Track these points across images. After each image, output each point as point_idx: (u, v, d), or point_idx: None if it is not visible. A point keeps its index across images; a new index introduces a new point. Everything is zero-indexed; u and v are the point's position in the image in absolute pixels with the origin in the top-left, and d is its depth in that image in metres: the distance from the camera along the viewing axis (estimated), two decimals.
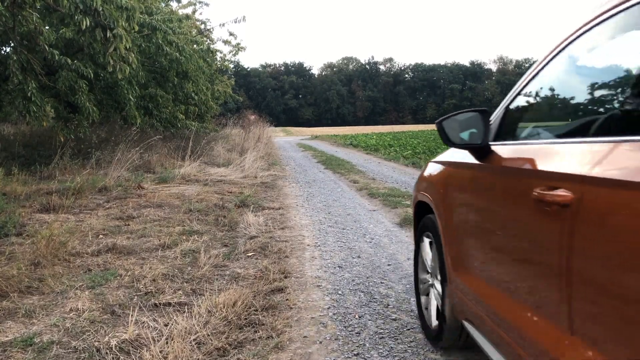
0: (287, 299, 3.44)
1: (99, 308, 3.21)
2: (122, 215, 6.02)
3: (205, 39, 14.56)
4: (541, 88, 1.98)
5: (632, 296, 1.12)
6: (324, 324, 3.07)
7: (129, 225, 5.58)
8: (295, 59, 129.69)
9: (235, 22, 13.60)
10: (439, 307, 2.62)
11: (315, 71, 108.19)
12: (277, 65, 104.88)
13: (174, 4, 13.93)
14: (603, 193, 1.28)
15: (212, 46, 15.00)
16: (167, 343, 2.68)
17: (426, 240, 2.90)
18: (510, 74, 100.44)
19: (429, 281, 2.86)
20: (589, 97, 1.68)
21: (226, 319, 3.01)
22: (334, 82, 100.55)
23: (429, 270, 2.86)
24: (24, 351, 2.65)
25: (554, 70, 1.86)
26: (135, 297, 3.42)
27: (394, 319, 3.12)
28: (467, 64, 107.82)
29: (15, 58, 7.17)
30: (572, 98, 1.87)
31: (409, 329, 2.98)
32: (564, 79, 1.86)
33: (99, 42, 6.50)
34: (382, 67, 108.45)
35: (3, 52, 8.96)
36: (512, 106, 2.12)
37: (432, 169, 2.88)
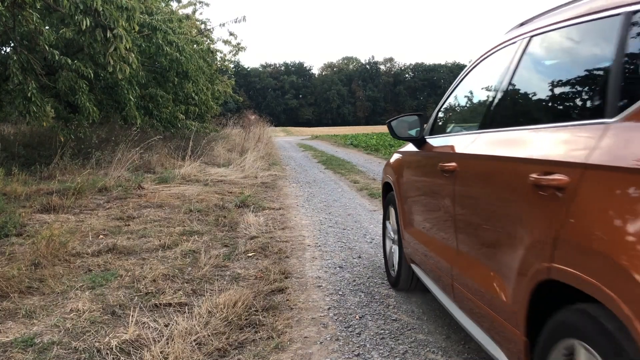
0: (287, 300, 3.44)
1: (100, 308, 3.21)
2: (122, 215, 6.02)
3: (205, 39, 14.56)
4: (455, 101, 3.09)
5: (480, 224, 2.16)
6: (324, 324, 3.07)
7: (129, 225, 5.58)
8: (296, 59, 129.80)
9: (236, 22, 13.63)
10: (398, 260, 3.56)
11: (316, 71, 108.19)
12: (278, 65, 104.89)
13: (174, 4, 13.94)
14: (472, 165, 2.27)
15: (212, 46, 15.01)
16: (167, 343, 2.67)
17: (390, 210, 3.81)
18: None
19: (392, 239, 3.76)
20: (477, 107, 2.72)
21: (227, 320, 3.01)
22: (334, 82, 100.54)
23: (392, 232, 3.76)
24: (24, 352, 2.65)
25: (460, 90, 3.01)
26: (136, 297, 3.42)
27: (395, 320, 3.12)
28: (468, 64, 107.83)
29: (15, 58, 7.18)
30: (468, 107, 2.98)
31: (409, 330, 2.98)
32: (464, 96, 3.02)
33: (99, 43, 6.50)
34: (382, 67, 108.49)
35: (3, 52, 8.96)
36: (440, 112, 3.17)
37: (393, 157, 3.84)
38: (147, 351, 2.60)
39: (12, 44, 8.07)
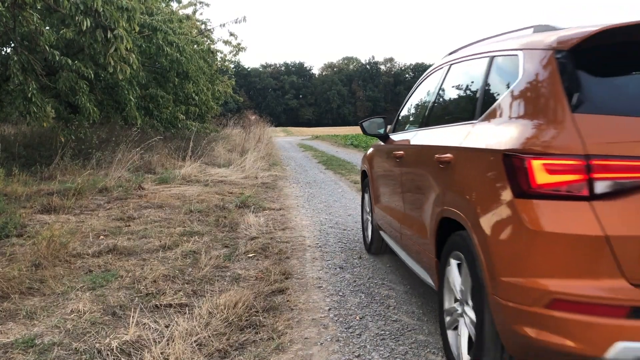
0: (288, 300, 3.44)
1: (100, 309, 3.21)
2: (122, 216, 6.02)
3: (205, 39, 14.57)
4: (409, 108, 4.07)
5: (413, 190, 3.09)
6: (325, 325, 3.07)
7: (129, 226, 5.58)
8: (296, 59, 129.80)
9: (236, 22, 13.63)
10: (371, 229, 4.55)
11: (316, 71, 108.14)
12: (278, 65, 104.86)
13: (174, 5, 13.95)
14: (411, 151, 3.27)
15: (212, 46, 15.02)
16: (168, 344, 2.68)
17: (365, 194, 4.90)
18: None
19: (367, 214, 4.75)
20: (420, 112, 3.67)
21: (227, 320, 3.01)
22: (335, 82, 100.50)
23: (367, 209, 4.77)
24: (25, 353, 2.65)
25: (412, 100, 4.01)
26: (136, 298, 3.42)
27: (395, 320, 3.12)
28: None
29: (15, 59, 7.18)
30: (416, 112, 3.87)
31: (410, 330, 2.98)
32: (414, 105, 3.97)
33: (100, 43, 6.50)
34: (382, 67, 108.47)
35: (4, 53, 8.95)
36: (399, 116, 4.18)
37: (368, 150, 4.84)
38: (147, 352, 2.60)
39: (12, 45, 8.07)
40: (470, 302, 2.21)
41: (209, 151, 12.59)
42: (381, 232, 4.19)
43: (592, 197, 1.73)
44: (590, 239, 1.71)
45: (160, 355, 2.56)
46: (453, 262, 2.39)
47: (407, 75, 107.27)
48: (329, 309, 3.31)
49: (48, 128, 8.95)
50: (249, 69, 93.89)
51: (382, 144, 4.16)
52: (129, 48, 6.59)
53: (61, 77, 8.11)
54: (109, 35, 6.33)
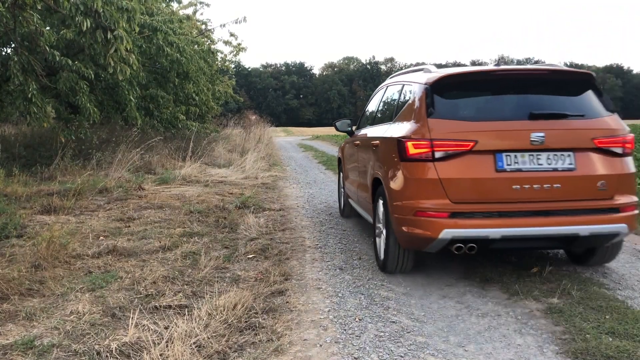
0: (287, 302, 3.44)
1: (100, 311, 3.21)
2: (122, 216, 6.03)
3: (205, 39, 14.56)
4: (366, 113, 5.72)
5: (362, 165, 4.95)
6: (324, 326, 3.07)
7: (129, 226, 5.59)
8: (296, 59, 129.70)
9: (236, 22, 13.61)
10: (344, 200, 6.32)
11: (316, 71, 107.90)
12: (278, 65, 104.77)
13: (174, 5, 13.94)
14: (363, 141, 5.01)
15: (212, 47, 15.00)
16: (167, 346, 2.68)
17: (340, 174, 6.58)
18: None
19: (341, 188, 6.46)
20: (370, 116, 5.44)
21: (226, 322, 3.01)
22: (335, 82, 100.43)
23: (341, 184, 6.47)
24: (24, 354, 2.65)
25: (368, 108, 5.74)
26: (136, 299, 3.42)
27: (394, 322, 3.12)
28: (468, 64, 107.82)
29: (16, 59, 7.18)
30: (368, 116, 5.54)
31: (409, 332, 2.98)
32: (368, 112, 5.68)
33: (100, 44, 6.49)
34: (383, 67, 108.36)
35: (4, 53, 8.96)
36: (360, 119, 5.85)
37: (343, 143, 6.50)
38: (146, 354, 2.60)
39: (12, 45, 8.07)
40: (383, 222, 4.02)
41: (209, 151, 12.59)
42: (350, 201, 5.95)
43: (434, 160, 3.44)
44: (433, 180, 3.42)
45: (160, 356, 2.56)
46: (380, 202, 4.11)
47: None
48: (329, 311, 3.31)
49: (48, 128, 8.95)
50: (249, 69, 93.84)
51: (349, 137, 5.96)
52: (129, 49, 6.59)
53: (61, 78, 8.11)
54: (109, 36, 6.32)
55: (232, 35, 19.03)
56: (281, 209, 7.01)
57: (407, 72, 4.61)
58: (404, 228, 3.54)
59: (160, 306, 3.30)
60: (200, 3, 14.74)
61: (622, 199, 3.45)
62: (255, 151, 13.57)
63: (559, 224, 3.36)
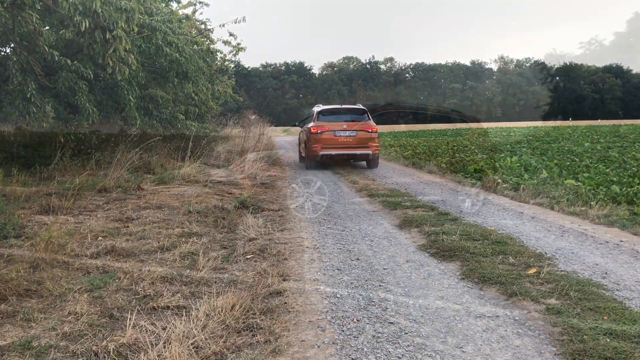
0: (285, 303, 3.44)
1: (98, 311, 3.21)
2: (121, 216, 6.02)
3: (205, 39, 14.56)
4: (304, 122, 15.46)
5: (305, 141, 13.68)
6: (322, 327, 3.07)
7: (128, 227, 5.58)
8: (296, 59, 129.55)
9: (236, 22, 13.62)
10: (299, 157, 15.60)
11: (316, 71, 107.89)
12: (278, 65, 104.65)
13: (174, 5, 13.95)
14: (305, 129, 13.98)
15: (212, 46, 15.02)
16: (165, 347, 2.68)
17: (299, 146, 15.31)
18: (511, 73, 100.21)
19: (299, 152, 15.23)
20: (306, 120, 15.60)
21: (224, 323, 3.01)
22: (335, 82, 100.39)
23: (299, 150, 15.23)
24: (22, 355, 2.65)
25: (306, 121, 15.37)
26: (134, 300, 3.42)
27: (392, 323, 3.12)
28: (468, 64, 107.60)
29: (15, 59, 7.18)
30: (304, 120, 15.98)
31: (406, 333, 2.98)
32: (306, 118, 15.88)
33: (99, 44, 6.51)
34: (382, 67, 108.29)
35: (3, 53, 8.96)
36: (305, 120, 15.61)
37: (300, 131, 15.20)
38: (144, 355, 2.60)
39: (11, 45, 8.08)
40: (304, 152, 13.36)
41: (208, 151, 12.59)
42: (300, 153, 14.73)
43: (317, 133, 12.31)
44: (317, 139, 12.33)
45: (157, 358, 2.56)
46: (303, 146, 13.84)
47: (407, 75, 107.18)
48: (327, 311, 3.31)
49: (47, 128, 8.94)
50: (249, 69, 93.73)
51: (300, 128, 14.79)
52: (127, 49, 6.60)
53: (60, 78, 8.11)
54: (107, 36, 6.33)
55: (231, 35, 18.96)
56: (280, 209, 7.01)
57: (315, 106, 13.96)
58: (311, 152, 12.37)
59: (158, 307, 3.30)
60: (200, 3, 14.75)
61: (371, 147, 12.35)
62: (254, 151, 13.60)
63: (351, 151, 12.33)
